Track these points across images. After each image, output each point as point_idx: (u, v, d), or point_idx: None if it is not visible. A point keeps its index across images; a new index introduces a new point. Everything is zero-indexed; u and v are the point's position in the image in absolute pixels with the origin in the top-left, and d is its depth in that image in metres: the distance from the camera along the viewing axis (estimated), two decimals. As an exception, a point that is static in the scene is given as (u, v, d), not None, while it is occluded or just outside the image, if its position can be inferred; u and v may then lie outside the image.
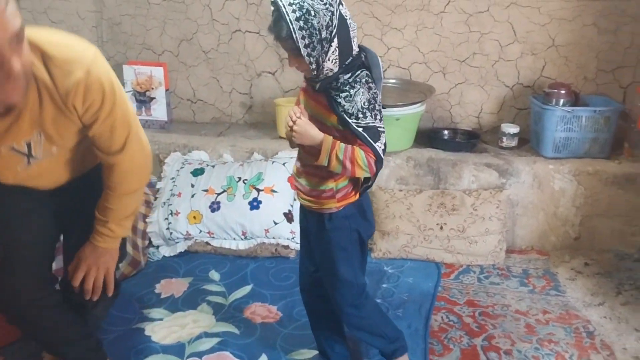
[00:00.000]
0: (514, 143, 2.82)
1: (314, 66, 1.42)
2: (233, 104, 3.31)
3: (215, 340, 2.08)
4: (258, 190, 2.69)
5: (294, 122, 1.48)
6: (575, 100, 2.69)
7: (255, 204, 2.65)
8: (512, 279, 2.52)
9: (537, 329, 2.17)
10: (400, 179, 2.80)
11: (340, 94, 1.46)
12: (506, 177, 2.69)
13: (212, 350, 2.02)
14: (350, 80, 1.46)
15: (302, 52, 1.39)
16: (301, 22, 1.36)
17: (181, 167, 2.84)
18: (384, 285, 2.44)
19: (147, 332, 2.13)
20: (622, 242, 2.69)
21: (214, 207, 2.67)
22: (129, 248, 2.47)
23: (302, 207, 1.71)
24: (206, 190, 2.72)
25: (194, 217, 2.67)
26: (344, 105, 1.45)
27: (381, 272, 2.55)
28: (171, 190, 2.78)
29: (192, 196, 2.71)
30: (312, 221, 1.68)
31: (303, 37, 1.37)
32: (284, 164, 2.76)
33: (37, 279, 1.64)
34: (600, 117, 2.62)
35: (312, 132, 1.48)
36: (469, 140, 2.90)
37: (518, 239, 2.77)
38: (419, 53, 2.99)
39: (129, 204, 1.61)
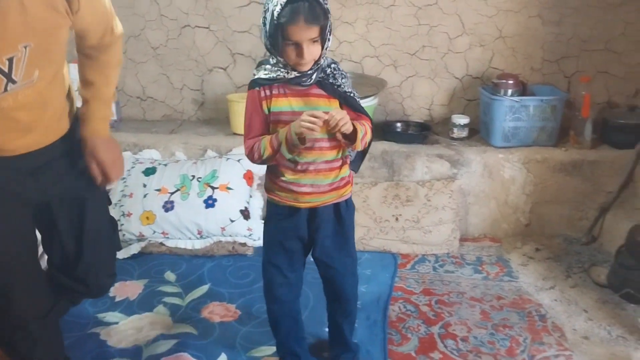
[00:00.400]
0: (464, 134, 2.87)
1: (324, 53, 1.51)
2: (184, 100, 3.25)
3: (173, 341, 2.04)
4: (213, 188, 2.65)
5: (330, 118, 1.45)
6: (522, 90, 2.76)
7: (210, 202, 2.62)
8: (467, 267, 2.57)
9: (492, 314, 2.23)
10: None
11: (335, 79, 1.56)
12: (458, 167, 2.75)
13: (170, 352, 1.98)
14: (336, 66, 1.58)
15: (326, 37, 1.48)
16: (327, 6, 1.46)
17: (132, 167, 2.77)
18: (342, 279, 2.46)
19: (102, 337, 2.08)
20: (570, 227, 2.79)
21: (168, 206, 2.62)
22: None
23: (301, 212, 1.66)
24: (159, 190, 2.66)
25: (147, 218, 2.62)
26: (344, 86, 1.57)
27: (339, 265, 2.56)
28: (122, 191, 2.71)
29: (145, 196, 2.66)
30: (324, 218, 1.67)
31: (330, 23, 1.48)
32: (238, 161, 2.73)
33: (39, 289, 1.64)
34: (547, 106, 2.70)
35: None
36: (421, 132, 2.94)
37: (471, 227, 2.83)
38: (370, 47, 3.01)
39: (114, 81, 1.67)
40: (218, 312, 2.23)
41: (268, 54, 1.55)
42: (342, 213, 1.69)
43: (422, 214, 2.67)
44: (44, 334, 1.66)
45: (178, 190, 2.66)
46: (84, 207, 1.66)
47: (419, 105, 3.10)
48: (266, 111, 1.56)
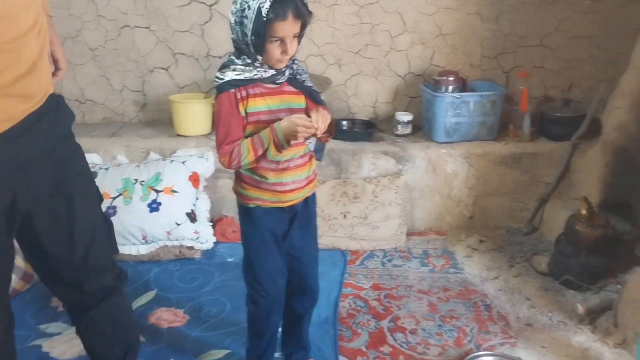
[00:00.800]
0: (408, 130, 2.92)
1: (298, 49, 1.52)
2: (125, 102, 3.17)
3: (120, 350, 1.99)
4: (157, 192, 2.60)
5: (324, 122, 1.51)
6: (463, 86, 2.83)
7: (154, 206, 2.56)
8: (414, 260, 2.62)
9: (439, 306, 2.27)
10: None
11: (300, 75, 1.60)
12: (403, 163, 2.79)
13: (116, 361, 1.93)
14: (297, 63, 1.60)
15: (304, 33, 1.51)
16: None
17: (72, 172, 2.68)
18: (292, 278, 2.45)
19: (44, 349, 2.01)
20: (512, 218, 2.87)
21: (110, 212, 2.55)
22: (20, 262, 2.31)
23: (275, 210, 1.64)
24: (101, 195, 2.59)
25: (90, 224, 2.54)
26: (307, 81, 1.61)
27: (288, 264, 2.56)
28: (63, 196, 2.62)
29: (87, 202, 2.57)
30: (297, 212, 1.67)
31: None
32: (183, 163, 2.69)
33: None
34: (487, 101, 2.78)
35: None
36: (367, 130, 2.96)
37: (417, 222, 2.88)
38: (314, 45, 3.02)
39: None
40: (166, 317, 2.19)
41: (234, 53, 1.52)
42: (311, 205, 1.73)
43: (369, 211, 2.70)
44: (2, 350, 1.51)
45: (120, 194, 2.59)
46: (72, 203, 1.42)
47: (363, 103, 3.12)
48: (243, 113, 1.53)
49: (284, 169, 1.59)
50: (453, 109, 2.75)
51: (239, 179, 1.65)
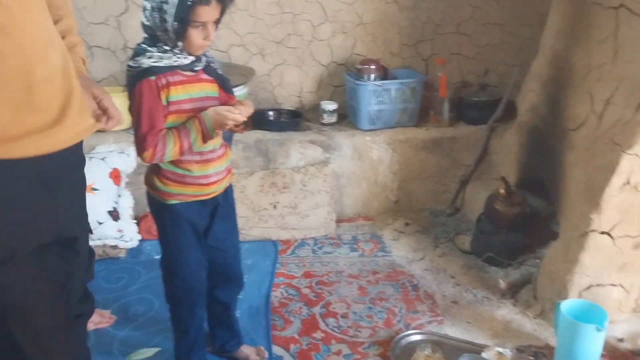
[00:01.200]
0: (333, 119, 2.95)
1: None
2: (39, 99, 3.02)
3: (43, 356, 1.91)
4: (77, 190, 2.49)
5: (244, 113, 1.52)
6: (384, 74, 2.89)
7: (75, 205, 2.46)
8: (343, 246, 2.66)
9: (369, 289, 2.32)
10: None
11: (214, 62, 1.59)
12: (330, 151, 2.82)
13: (39, 368, 1.85)
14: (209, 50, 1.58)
15: (221, 18, 1.50)
16: None
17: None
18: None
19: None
20: (435, 200, 2.97)
21: (27, 213, 2.42)
22: None
23: (196, 204, 1.60)
24: (16, 196, 2.46)
25: (5, 227, 2.41)
26: (219, 69, 1.59)
27: (218, 258, 2.54)
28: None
29: (0, 204, 2.44)
30: (219, 203, 1.66)
31: None
32: (103, 159, 2.59)
33: None
34: (407, 88, 2.84)
35: None
36: (293, 120, 2.97)
37: (346, 208, 2.92)
38: (236, 35, 2.98)
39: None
40: (92, 319, 2.10)
41: (146, 41, 1.48)
42: (230, 195, 1.72)
43: (299, 200, 2.71)
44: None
45: (38, 195, 2.47)
46: (76, 242, 1.29)
47: (289, 93, 3.12)
48: (164, 102, 1.48)
49: (208, 161, 1.57)
50: (376, 96, 2.80)
51: (157, 174, 1.58)
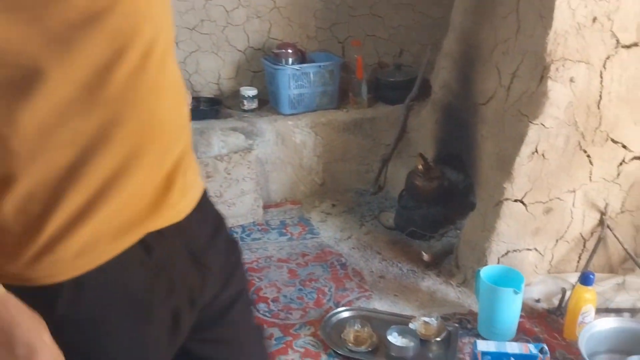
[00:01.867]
0: (254, 105, 2.93)
1: None
2: None
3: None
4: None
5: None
6: (302, 58, 2.89)
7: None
8: (272, 232, 2.66)
9: (299, 271, 2.34)
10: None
11: None
12: (252, 138, 2.80)
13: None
14: None
15: None
16: None
17: None
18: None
19: None
20: (359, 180, 3.02)
21: None
22: None
23: None
24: None
25: None
26: None
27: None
28: None
29: None
30: None
31: None
32: None
33: None
34: (325, 71, 2.86)
35: None
36: (213, 107, 2.92)
37: (272, 194, 2.92)
38: (147, 23, 2.89)
39: None
40: None
41: None
42: None
43: (224, 188, 2.68)
44: None
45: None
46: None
47: (207, 80, 3.07)
48: None
49: None
50: (295, 80, 2.81)
51: None
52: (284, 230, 2.67)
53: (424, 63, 2.85)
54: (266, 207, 2.85)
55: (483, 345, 1.78)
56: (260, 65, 3.05)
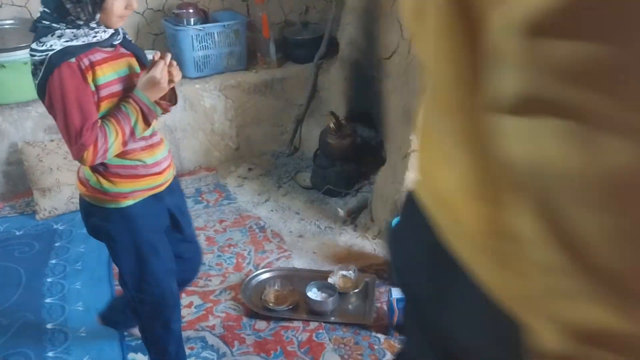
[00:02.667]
0: (158, 70, 2.81)
1: None
2: None
3: None
4: None
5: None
6: (205, 18, 2.79)
7: None
8: (187, 200, 2.58)
9: (217, 238, 2.32)
10: (49, 128, 2.56)
11: (128, 36, 1.41)
12: (159, 104, 2.70)
13: None
14: None
15: None
16: None
17: None
18: (57, 244, 2.27)
19: None
20: (274, 142, 3.00)
21: None
22: None
23: (151, 202, 1.39)
24: None
25: None
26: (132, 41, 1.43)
27: (51, 231, 2.36)
28: None
29: None
30: (175, 193, 1.49)
31: None
32: None
33: None
34: (230, 31, 2.78)
35: None
36: (114, 75, 2.78)
37: (185, 162, 2.85)
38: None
39: None
40: None
41: (48, 17, 1.23)
42: (178, 182, 1.56)
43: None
44: None
45: None
46: None
47: (106, 47, 2.91)
48: (92, 87, 1.25)
49: (153, 145, 1.38)
50: (198, 42, 2.71)
51: (101, 173, 1.33)
52: (200, 198, 2.63)
53: (329, 20, 2.83)
54: (179, 175, 2.78)
55: (397, 292, 1.84)
56: (160, 27, 2.92)
